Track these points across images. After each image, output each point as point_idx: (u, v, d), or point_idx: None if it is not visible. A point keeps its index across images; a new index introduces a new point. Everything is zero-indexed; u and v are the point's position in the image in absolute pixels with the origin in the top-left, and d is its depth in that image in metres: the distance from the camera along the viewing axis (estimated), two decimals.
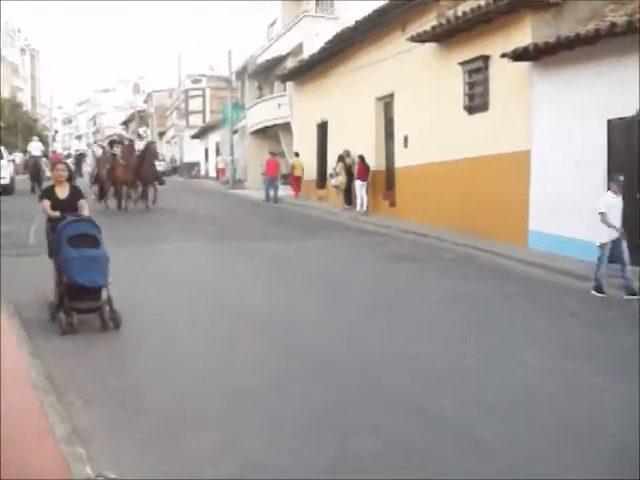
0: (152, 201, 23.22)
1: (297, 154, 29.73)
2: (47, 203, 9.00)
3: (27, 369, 6.64)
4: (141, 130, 30.22)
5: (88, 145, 32.12)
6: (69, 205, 9.01)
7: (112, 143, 24.98)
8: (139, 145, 24.14)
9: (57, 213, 8.82)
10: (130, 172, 22.18)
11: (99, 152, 27.38)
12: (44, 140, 51.21)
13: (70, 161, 30.95)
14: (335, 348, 7.78)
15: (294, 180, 29.28)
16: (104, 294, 8.40)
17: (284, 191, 29.12)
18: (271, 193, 27.68)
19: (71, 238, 8.34)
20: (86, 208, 9.12)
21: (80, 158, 29.66)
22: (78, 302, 8.27)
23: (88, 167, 27.99)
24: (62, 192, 9.13)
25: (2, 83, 66.55)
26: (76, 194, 9.26)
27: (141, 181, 23.30)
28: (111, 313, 8.35)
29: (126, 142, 24.80)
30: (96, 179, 24.21)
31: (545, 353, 7.62)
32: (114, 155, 22.99)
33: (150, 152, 23.52)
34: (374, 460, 4.98)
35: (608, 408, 6.00)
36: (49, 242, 8.92)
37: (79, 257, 8.25)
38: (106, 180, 22.88)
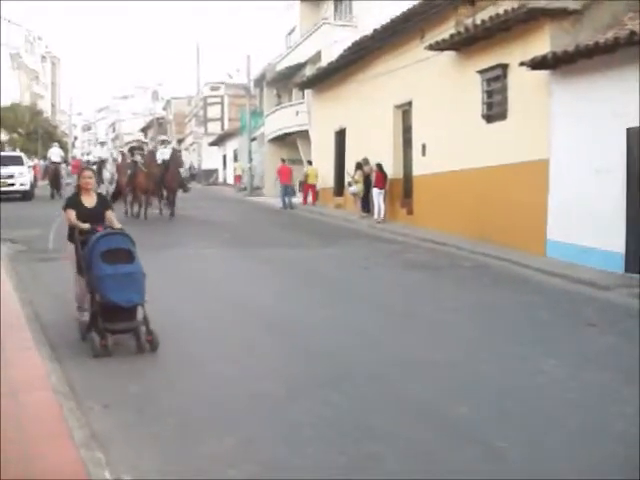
0: (172, 211, 22.75)
1: (310, 162, 29.90)
2: (72, 213, 8.26)
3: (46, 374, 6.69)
4: (165, 137, 30.29)
5: (111, 154, 31.39)
6: (97, 215, 8.36)
7: (132, 150, 24.52)
8: (164, 153, 23.75)
9: (87, 225, 8.10)
10: (152, 180, 21.73)
11: (119, 159, 27.89)
12: (64, 146, 51.52)
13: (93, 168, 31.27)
14: (352, 354, 7.78)
15: (307, 188, 29.40)
16: (139, 313, 7.75)
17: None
18: (287, 200, 27.91)
19: (104, 253, 7.65)
20: (115, 219, 8.53)
21: (101, 165, 29.36)
22: (113, 323, 7.62)
23: (107, 173, 28.16)
24: (89, 201, 8.48)
25: (23, 90, 67.14)
26: (103, 203, 8.67)
27: (166, 189, 22.74)
28: (147, 334, 7.65)
29: (146, 148, 24.98)
30: (117, 185, 24.07)
31: (563, 362, 7.59)
32: (135, 162, 22.53)
33: (175, 160, 23.13)
34: (389, 466, 4.99)
35: (628, 418, 5.96)
36: (78, 257, 8.09)
37: (114, 274, 7.56)
38: (125, 187, 22.61)
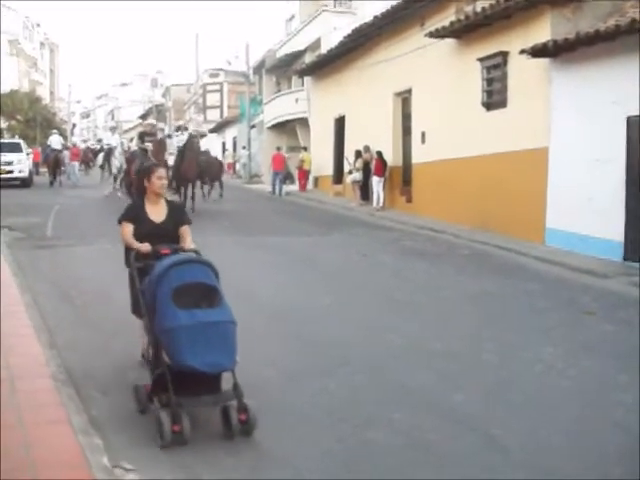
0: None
1: (305, 148, 30.07)
2: (129, 229, 6.14)
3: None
4: (182, 122, 28.84)
5: (121, 141, 29.34)
6: (166, 233, 6.19)
7: (143, 136, 22.00)
8: (180, 140, 21.26)
9: (147, 246, 5.90)
10: None
11: (130, 146, 26.72)
12: (63, 133, 51.40)
13: (101, 156, 29.08)
14: (350, 341, 7.78)
15: (302, 174, 29.52)
16: (225, 379, 5.40)
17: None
18: (277, 187, 28.14)
19: (177, 291, 5.20)
20: (190, 238, 6.26)
21: (110, 152, 27.01)
22: (190, 396, 5.21)
23: (116, 161, 25.63)
24: (157, 212, 6.30)
25: (21, 77, 66.96)
26: (177, 216, 6.41)
27: (180, 182, 20.15)
28: (240, 411, 5.22)
29: (158, 134, 22.86)
30: (126, 175, 22.38)
31: (562, 350, 7.60)
32: (145, 150, 20.25)
33: (192, 147, 20.39)
34: (388, 454, 5.00)
35: (626, 405, 5.97)
36: (134, 293, 6.02)
37: (191, 325, 5.10)
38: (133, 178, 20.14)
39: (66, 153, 32.80)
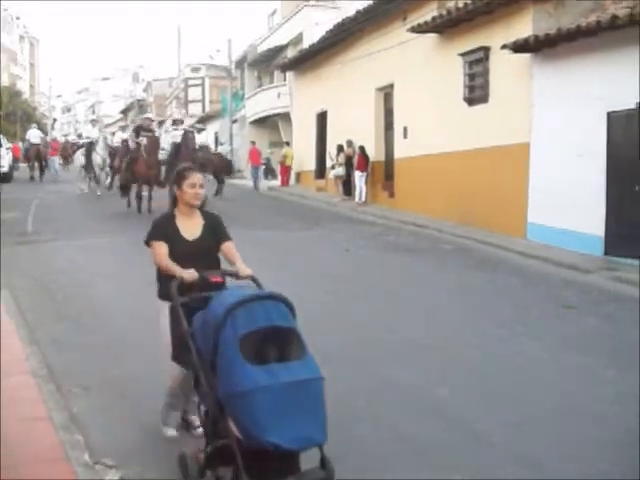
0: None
1: (287, 143, 30.07)
2: (164, 250, 4.88)
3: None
4: (179, 114, 27.22)
5: (103, 135, 27.15)
6: (205, 253, 4.98)
7: (139, 130, 20.19)
8: (175, 135, 20.12)
9: (193, 274, 4.60)
10: (154, 168, 18.48)
11: (113, 140, 25.70)
12: (42, 128, 51.04)
13: (81, 152, 26.22)
14: (333, 336, 7.77)
15: (284, 170, 29.51)
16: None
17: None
18: (255, 181, 28.34)
19: (246, 339, 3.93)
20: (240, 258, 5.04)
21: (91, 147, 24.98)
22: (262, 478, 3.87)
23: (98, 157, 24.10)
24: (191, 227, 5.04)
25: (1, 71, 66.41)
26: (216, 229, 5.12)
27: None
28: None
29: (153, 126, 20.90)
30: (116, 171, 21.52)
31: (544, 344, 7.64)
32: (139, 145, 19.18)
33: (187, 143, 19.17)
34: (372, 447, 5.00)
35: (608, 399, 6.01)
36: (178, 334, 4.46)
37: (272, 387, 3.81)
38: (124, 174, 19.62)
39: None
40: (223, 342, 3.90)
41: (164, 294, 4.79)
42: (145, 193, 18.75)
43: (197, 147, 20.90)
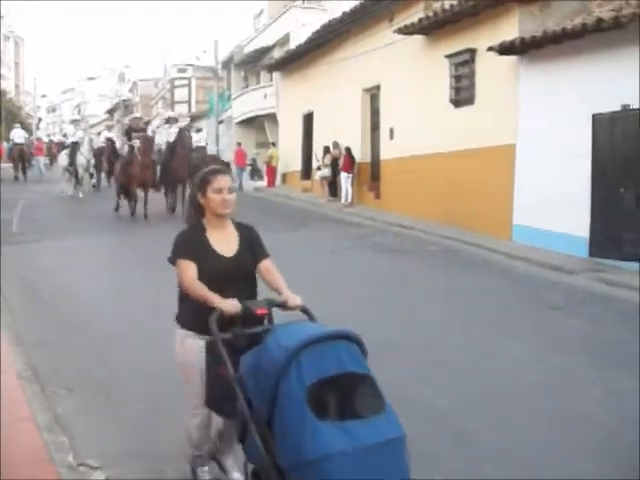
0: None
1: (274, 144, 30.05)
2: (192, 271, 4.00)
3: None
4: (174, 113, 25.13)
5: (88, 135, 25.95)
6: (242, 273, 4.16)
7: (129, 132, 19.34)
8: (170, 133, 19.57)
9: (236, 304, 3.78)
10: (149, 170, 17.89)
11: (98, 141, 24.94)
12: (27, 128, 50.78)
13: (65, 152, 24.81)
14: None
15: (270, 171, 29.49)
16: None
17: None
18: (239, 182, 28.34)
19: (313, 390, 3.24)
20: (283, 280, 4.30)
21: (75, 147, 23.82)
22: None
23: (82, 158, 23.02)
24: (224, 241, 4.19)
25: None
26: (253, 244, 4.34)
27: (171, 180, 18.57)
28: None
29: (142, 125, 20.33)
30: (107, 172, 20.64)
31: (529, 345, 7.66)
32: (132, 147, 18.24)
33: (183, 142, 18.48)
34: None
35: (594, 400, 6.04)
36: (212, 376, 3.85)
37: (352, 451, 3.11)
38: (119, 177, 18.69)
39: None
40: (286, 394, 3.19)
41: (188, 322, 4.06)
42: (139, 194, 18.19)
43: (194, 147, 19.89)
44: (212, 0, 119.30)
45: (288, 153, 28.75)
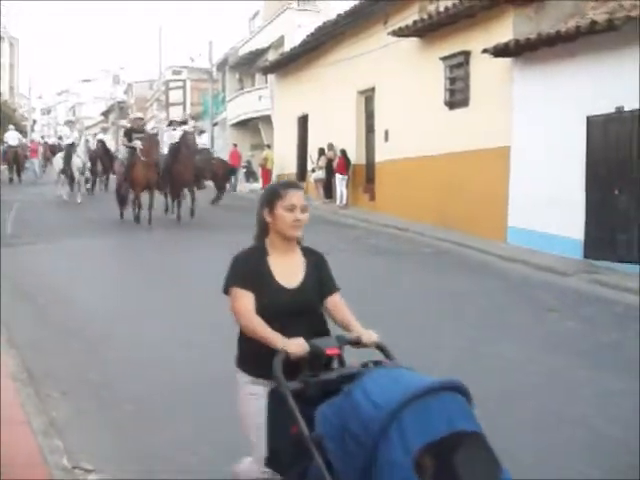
0: (190, 211, 17.98)
1: (269, 146, 30.03)
2: (250, 303, 3.42)
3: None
4: (181, 115, 24.65)
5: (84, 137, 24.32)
6: (309, 307, 3.54)
7: (130, 133, 18.17)
8: (173, 136, 18.99)
9: (302, 344, 3.19)
10: (153, 170, 17.04)
11: (95, 143, 24.52)
12: (22, 130, 50.68)
13: (60, 155, 23.97)
14: None
15: (265, 172, 29.45)
16: None
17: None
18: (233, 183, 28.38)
19: (421, 455, 2.61)
20: (350, 314, 3.72)
21: (71, 149, 22.67)
22: None
23: (78, 160, 22.07)
24: (289, 268, 3.57)
25: None
26: (321, 274, 3.74)
27: (174, 184, 18.06)
28: None
29: (142, 125, 19.29)
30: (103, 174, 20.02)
31: (523, 347, 7.67)
32: (133, 149, 17.28)
33: (187, 144, 17.83)
34: None
35: (587, 401, 6.04)
36: (276, 432, 3.21)
37: None
38: (123, 182, 17.84)
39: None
40: (387, 463, 2.58)
41: (246, 365, 3.46)
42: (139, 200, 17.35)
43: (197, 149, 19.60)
44: (207, 1, 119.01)
45: (283, 155, 28.74)
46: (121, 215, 17.86)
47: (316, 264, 3.69)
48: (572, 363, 7.13)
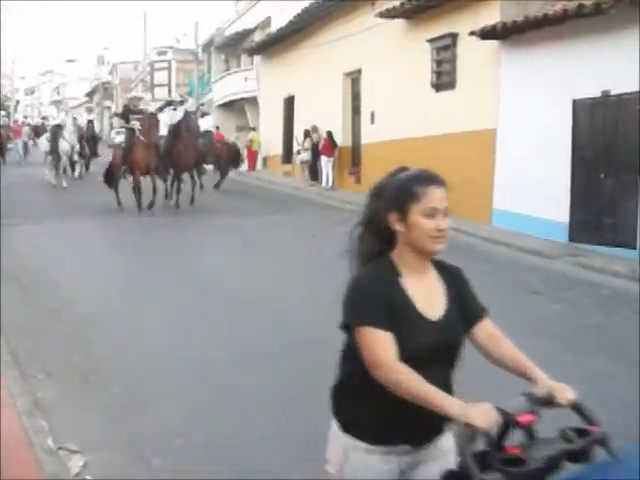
0: (190, 198, 17.05)
1: (254, 129, 29.91)
2: (390, 348, 2.37)
3: None
4: (178, 97, 23.24)
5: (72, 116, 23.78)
6: (452, 342, 2.63)
7: (127, 114, 17.18)
8: (173, 116, 17.77)
9: (491, 412, 2.39)
10: (153, 154, 16.13)
11: (82, 122, 23.05)
12: (6, 110, 50.25)
13: (46, 136, 22.69)
14: (302, 321, 7.78)
15: (251, 154, 29.38)
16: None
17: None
18: None
19: None
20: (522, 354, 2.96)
21: (57, 131, 21.21)
22: None
23: (65, 143, 20.90)
24: (427, 293, 2.56)
25: None
26: (460, 293, 2.72)
27: (174, 167, 17.02)
28: None
29: (142, 107, 17.89)
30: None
31: (509, 329, 7.66)
32: (132, 130, 16.34)
33: (188, 125, 16.86)
34: None
35: (569, 381, 6.07)
36: None
37: None
38: (118, 165, 16.68)
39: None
40: None
41: (360, 426, 2.58)
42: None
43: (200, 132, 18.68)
44: None
45: (269, 137, 28.67)
46: (118, 202, 16.54)
47: (453, 283, 2.72)
48: (556, 345, 7.16)
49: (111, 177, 16.99)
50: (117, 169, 16.60)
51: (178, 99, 19.71)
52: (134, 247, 12.46)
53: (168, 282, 9.65)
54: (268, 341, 7.08)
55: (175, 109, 18.27)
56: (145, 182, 16.45)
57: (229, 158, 22.91)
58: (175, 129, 16.97)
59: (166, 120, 17.55)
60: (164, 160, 16.60)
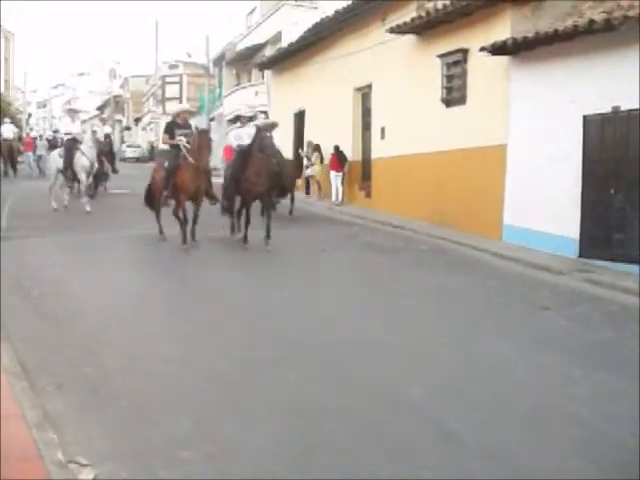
0: (266, 233, 13.66)
1: None
2: None
3: None
4: (250, 112, 20.07)
5: (83, 122, 21.37)
6: None
7: (172, 128, 13.78)
8: (240, 136, 14.89)
9: None
10: (204, 177, 13.47)
11: (101, 134, 18.92)
12: (17, 124, 50.52)
13: (58, 152, 18.76)
14: (308, 335, 7.77)
15: None
16: None
17: None
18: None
19: None
20: None
21: (73, 145, 18.05)
22: None
23: (85, 159, 17.65)
24: None
25: None
26: None
27: (242, 195, 14.26)
28: None
29: (188, 120, 14.27)
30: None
31: (517, 345, 7.67)
32: (177, 148, 13.29)
33: (263, 145, 13.51)
34: (344, 445, 5.00)
35: (580, 399, 6.05)
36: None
37: None
38: (162, 189, 13.52)
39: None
40: None
41: None
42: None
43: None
44: None
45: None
46: (160, 231, 14.04)
47: None
48: (564, 361, 7.14)
49: (151, 199, 14.36)
50: (158, 193, 13.83)
51: (246, 115, 16.76)
52: (144, 260, 12.47)
53: (177, 293, 9.65)
54: (272, 353, 7.07)
55: (241, 126, 15.72)
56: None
57: (294, 178, 20.20)
58: (246, 150, 14.07)
59: (233, 140, 15.05)
60: (228, 185, 14.47)
